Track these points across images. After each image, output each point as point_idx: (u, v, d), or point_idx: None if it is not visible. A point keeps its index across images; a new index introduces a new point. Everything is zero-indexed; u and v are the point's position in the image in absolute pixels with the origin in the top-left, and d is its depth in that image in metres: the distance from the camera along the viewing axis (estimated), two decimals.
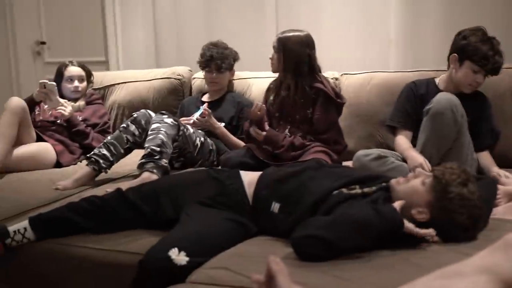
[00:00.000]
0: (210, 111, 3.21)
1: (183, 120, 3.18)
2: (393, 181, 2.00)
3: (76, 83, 3.64)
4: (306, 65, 2.96)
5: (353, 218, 1.77)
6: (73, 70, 3.69)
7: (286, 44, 2.95)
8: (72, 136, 3.42)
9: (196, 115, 3.20)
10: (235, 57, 3.47)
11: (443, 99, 2.56)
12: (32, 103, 3.40)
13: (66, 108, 3.36)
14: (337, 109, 3.00)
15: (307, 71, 2.96)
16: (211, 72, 3.41)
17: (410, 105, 2.88)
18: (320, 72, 3.03)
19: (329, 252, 1.73)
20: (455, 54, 2.77)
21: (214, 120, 3.22)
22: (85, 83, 3.71)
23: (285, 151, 2.85)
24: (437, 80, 2.93)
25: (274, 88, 3.11)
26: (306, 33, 3.02)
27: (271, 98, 3.09)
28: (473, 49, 2.68)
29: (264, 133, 2.88)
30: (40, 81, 3.34)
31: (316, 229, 1.75)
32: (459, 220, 1.82)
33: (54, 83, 3.38)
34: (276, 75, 3.09)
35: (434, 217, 1.85)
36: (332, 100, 2.95)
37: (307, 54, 2.96)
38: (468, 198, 1.83)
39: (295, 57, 2.94)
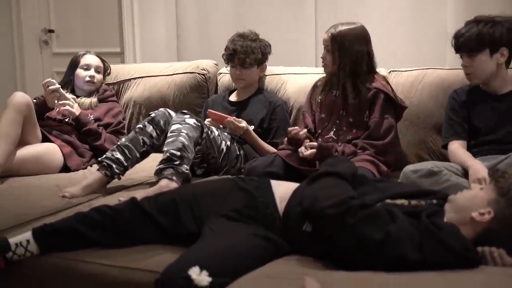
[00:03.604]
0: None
1: (210, 113, 3.20)
2: (450, 196, 2.04)
3: (92, 71, 3.71)
4: (365, 63, 2.97)
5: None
6: (91, 58, 3.78)
7: (342, 41, 2.95)
8: (82, 136, 3.46)
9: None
10: (264, 51, 3.45)
11: None
12: (45, 108, 3.46)
13: (73, 104, 3.41)
14: (397, 113, 3.01)
15: (366, 70, 2.98)
16: (235, 68, 3.42)
17: (456, 115, 2.91)
18: (376, 69, 3.03)
19: None
20: None
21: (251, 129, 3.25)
22: (101, 76, 3.78)
23: None
24: None
25: (323, 87, 3.12)
26: (360, 25, 3.02)
27: (319, 97, 3.10)
28: None
29: (314, 150, 2.82)
30: (43, 83, 3.39)
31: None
32: None
33: (55, 81, 3.41)
34: (316, 69, 3.08)
35: (498, 217, 1.86)
36: (393, 103, 2.95)
37: (366, 52, 2.98)
38: None
39: (353, 56, 2.95)
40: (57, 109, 3.43)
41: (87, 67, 3.72)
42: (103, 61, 3.84)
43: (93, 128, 3.46)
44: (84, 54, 3.78)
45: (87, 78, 3.70)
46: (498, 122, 2.81)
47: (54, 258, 2.19)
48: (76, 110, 3.42)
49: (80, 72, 3.72)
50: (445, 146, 2.93)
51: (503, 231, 1.85)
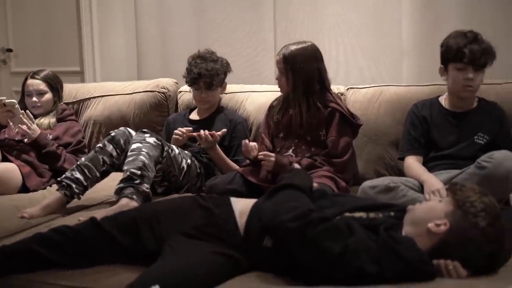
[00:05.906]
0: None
1: (184, 131, 3.19)
2: (409, 206, 2.06)
3: (34, 98, 3.66)
4: (317, 81, 3.01)
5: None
6: (31, 83, 3.69)
7: (293, 63, 2.99)
8: (41, 158, 3.43)
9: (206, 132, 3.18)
10: (226, 70, 3.46)
11: (504, 165, 2.50)
12: None
13: (30, 127, 3.37)
14: (353, 131, 3.05)
15: (319, 88, 3.01)
16: (199, 90, 3.41)
17: (415, 130, 2.96)
18: (330, 87, 3.07)
19: None
20: (441, 65, 2.90)
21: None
22: (47, 96, 3.69)
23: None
24: (441, 98, 3.00)
25: (279, 106, 3.14)
26: (310, 43, 3.06)
27: (276, 117, 3.12)
28: (447, 49, 2.82)
29: (273, 159, 2.85)
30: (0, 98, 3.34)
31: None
32: (481, 226, 1.86)
33: (13, 100, 3.37)
34: (275, 87, 3.11)
35: (453, 229, 1.88)
36: (348, 121, 2.99)
37: (317, 69, 3.02)
38: (490, 206, 1.90)
39: (305, 75, 2.99)
40: (16, 129, 3.39)
41: (29, 94, 3.68)
42: (46, 81, 3.72)
43: (52, 150, 3.42)
44: (26, 78, 3.73)
45: (32, 105, 3.66)
46: (457, 138, 2.86)
47: (12, 280, 2.15)
48: (34, 132, 3.38)
49: (26, 99, 3.69)
50: (402, 159, 2.98)
51: (458, 243, 1.88)
